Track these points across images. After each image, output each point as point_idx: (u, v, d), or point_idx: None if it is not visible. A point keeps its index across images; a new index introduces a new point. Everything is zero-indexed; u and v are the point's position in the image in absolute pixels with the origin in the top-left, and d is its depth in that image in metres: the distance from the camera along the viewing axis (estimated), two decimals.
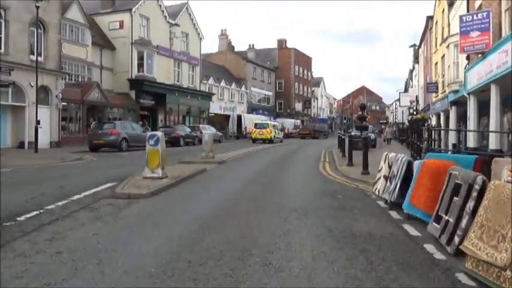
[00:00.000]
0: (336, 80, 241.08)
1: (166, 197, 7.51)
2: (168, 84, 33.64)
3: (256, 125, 35.58)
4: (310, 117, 66.02)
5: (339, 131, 30.98)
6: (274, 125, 36.91)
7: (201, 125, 32.45)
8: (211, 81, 43.06)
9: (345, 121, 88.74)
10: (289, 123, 51.72)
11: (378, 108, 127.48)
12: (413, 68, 47.05)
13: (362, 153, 11.46)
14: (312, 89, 78.64)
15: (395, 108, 66.95)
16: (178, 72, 36.54)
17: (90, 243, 4.52)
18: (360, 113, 22.67)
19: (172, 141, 25.27)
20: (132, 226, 5.26)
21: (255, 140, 34.91)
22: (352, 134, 21.62)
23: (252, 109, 53.04)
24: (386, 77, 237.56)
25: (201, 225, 5.34)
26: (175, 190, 8.28)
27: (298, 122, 58.72)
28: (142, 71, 30.67)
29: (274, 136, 35.65)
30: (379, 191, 7.35)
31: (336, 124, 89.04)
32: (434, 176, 5.40)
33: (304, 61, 69.40)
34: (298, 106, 66.26)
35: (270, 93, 60.11)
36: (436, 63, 26.49)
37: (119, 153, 18.28)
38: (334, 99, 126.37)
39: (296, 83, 66.35)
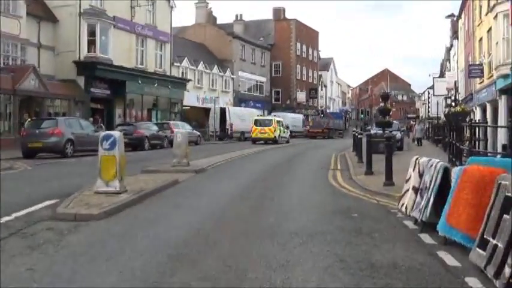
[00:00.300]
0: (350, 62, 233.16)
1: (125, 218, 7.43)
2: (128, 68, 33.12)
3: (256, 122, 37.23)
4: (321, 111, 66.03)
5: (354, 129, 30.49)
6: (278, 122, 38.69)
7: (172, 122, 32.05)
8: (185, 63, 42.68)
9: (362, 116, 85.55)
10: (290, 118, 51.68)
11: (405, 98, 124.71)
12: (451, 45, 46.56)
13: (384, 157, 11.39)
14: (319, 73, 76.12)
15: (428, 98, 64.81)
16: (142, 51, 36.17)
17: (23, 282, 4.39)
18: (382, 104, 22.75)
19: (134, 144, 24.92)
20: (78, 258, 5.16)
21: (255, 141, 36.51)
22: (372, 132, 21.72)
23: (240, 100, 52.38)
24: (416, 57, 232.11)
25: (171, 255, 5.28)
26: (137, 209, 8.18)
27: (301, 117, 58.30)
28: (94, 51, 30.14)
29: (279, 135, 37.58)
30: (406, 208, 7.36)
31: (350, 120, 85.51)
32: (479, 187, 5.41)
33: (309, 37, 67.79)
34: (301, 96, 65.06)
35: (264, 80, 59.14)
36: (481, 39, 26.46)
37: (63, 160, 17.77)
38: (348, 86, 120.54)
39: (298, 66, 65.62)
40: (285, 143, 38.80)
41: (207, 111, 44.07)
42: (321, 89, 79.01)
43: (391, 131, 21.02)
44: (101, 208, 7.76)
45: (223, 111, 42.05)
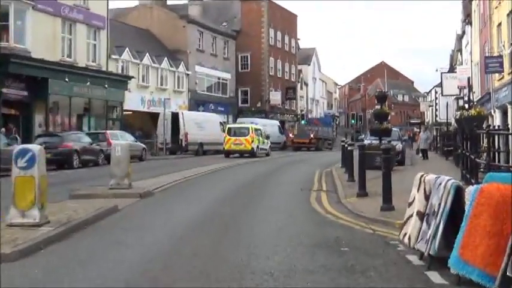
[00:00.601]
0: (337, 54, 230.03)
1: (46, 259, 7.37)
2: (51, 61, 32.97)
3: (230, 131, 39.17)
4: (302, 116, 66.58)
5: (344, 139, 31.44)
6: (257, 130, 40.81)
7: (109, 132, 32.12)
8: (126, 55, 42.67)
9: (352, 121, 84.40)
10: (261, 126, 52.74)
11: (406, 99, 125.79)
12: (463, 32, 47.17)
13: (382, 174, 11.56)
14: (299, 68, 76.02)
15: (436, 99, 65.10)
16: (70, 41, 36.16)
17: None
18: (378, 107, 23.51)
19: (60, 160, 24.87)
20: None
21: (229, 153, 38.32)
22: (366, 142, 21.95)
23: (198, 103, 52.35)
24: (420, 48, 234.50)
25: None
26: (63, 247, 8.13)
27: (276, 123, 58.67)
28: (7, 40, 29.94)
29: (258, 147, 39.37)
30: (409, 239, 7.44)
31: (338, 127, 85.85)
32: (499, 211, 5.46)
33: (285, 22, 67.89)
34: (276, 97, 65.00)
35: (228, 76, 59.22)
36: (500, 25, 26.72)
37: None
38: (336, 85, 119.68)
39: (271, 59, 65.53)
40: (265, 156, 40.06)
41: (154, 117, 43.70)
42: (301, 88, 78.52)
43: (389, 141, 21.19)
44: (14, 246, 7.59)
45: (175, 117, 42.07)
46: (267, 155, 40.90)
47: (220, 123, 46.92)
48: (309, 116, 78.70)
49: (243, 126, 40.57)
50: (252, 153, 37.28)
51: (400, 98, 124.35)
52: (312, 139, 53.32)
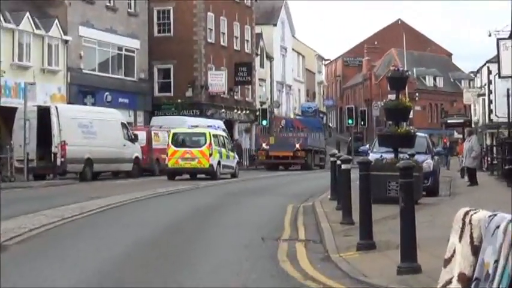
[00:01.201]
0: (322, 8, 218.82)
1: None
2: None
3: (176, 139, 38.91)
4: (280, 119, 67.60)
5: (335, 152, 30.03)
6: (216, 137, 40.32)
7: None
8: None
9: (349, 122, 76.87)
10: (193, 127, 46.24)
11: (440, 83, 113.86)
12: None
13: (399, 212, 10.75)
14: (257, 29, 71.90)
15: (490, 83, 59.99)
16: None
17: None
18: (392, 96, 23.54)
19: None
20: None
21: (174, 174, 38.57)
22: (372, 156, 21.56)
23: (83, 90, 48.33)
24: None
25: None
26: None
27: (220, 125, 52.64)
28: None
29: (219, 163, 39.39)
30: None
31: (326, 129, 79.34)
32: None
33: None
34: (218, 80, 61.15)
35: (136, 45, 54.88)
36: None
37: None
38: (321, 59, 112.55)
39: (210, 14, 61.94)
40: (230, 178, 40.34)
41: (7, 115, 39.49)
42: (261, 65, 74.62)
43: (412, 155, 21.13)
44: None
45: (44, 114, 38.10)
46: (234, 175, 41.30)
47: (124, 125, 42.91)
48: (275, 110, 75.07)
49: (196, 132, 40.57)
50: (211, 174, 38.14)
51: (429, 81, 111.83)
52: (298, 151, 54.93)
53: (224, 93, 62.77)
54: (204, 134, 39.32)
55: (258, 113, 68.01)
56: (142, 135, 44.97)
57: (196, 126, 44.41)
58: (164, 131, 45.29)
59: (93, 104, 46.87)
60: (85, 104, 46.56)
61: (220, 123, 53.88)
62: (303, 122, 65.91)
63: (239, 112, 65.80)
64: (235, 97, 66.24)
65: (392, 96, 24.43)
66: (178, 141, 38.90)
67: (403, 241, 10.64)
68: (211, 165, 37.96)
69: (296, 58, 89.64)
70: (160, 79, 60.96)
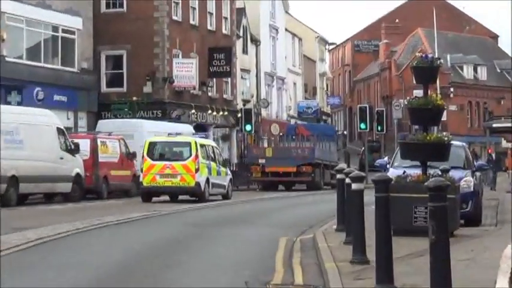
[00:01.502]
0: None
1: None
2: None
3: (152, 150, 39.24)
4: (283, 125, 65.06)
5: (342, 166, 30.11)
6: (203, 146, 40.16)
7: None
8: None
9: (362, 126, 70.90)
10: (140, 138, 46.93)
11: (483, 74, 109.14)
12: None
13: (429, 247, 10.74)
14: (239, 3, 70.19)
15: None
16: None
17: None
18: (419, 92, 23.29)
19: None
20: None
21: (150, 194, 38.83)
22: (392, 172, 21.75)
23: (6, 85, 48.06)
24: None
25: None
26: None
27: (190, 131, 54.26)
28: None
29: (208, 181, 39.43)
30: None
31: (339, 136, 77.91)
32: None
33: None
34: (187, 71, 59.53)
35: (77, 24, 54.18)
36: None
37: None
38: (324, 43, 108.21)
39: None
40: (222, 199, 40.24)
41: None
42: (244, 52, 72.66)
43: (445, 171, 20.90)
44: None
45: None
46: (226, 196, 41.27)
47: (61, 131, 41.81)
48: (263, 112, 73.17)
49: (178, 141, 40.52)
50: (197, 194, 38.07)
51: (468, 72, 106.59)
52: (303, 166, 55.19)
53: (194, 88, 60.12)
54: (188, 144, 38.98)
55: (239, 115, 63.55)
56: (85, 144, 43.57)
57: (179, 134, 44.05)
58: (114, 139, 43.60)
59: (20, 104, 44.93)
60: (9, 103, 44.37)
61: (188, 129, 52.52)
62: (309, 129, 63.97)
63: (215, 114, 62.24)
64: (210, 94, 63.05)
65: (419, 93, 23.30)
66: (156, 152, 38.73)
67: (435, 286, 10.30)
68: (197, 184, 37.69)
69: (291, 41, 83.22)
70: (110, 70, 58.18)
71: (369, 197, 15.38)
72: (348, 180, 20.02)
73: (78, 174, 41.07)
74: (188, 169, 38.11)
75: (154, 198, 37.19)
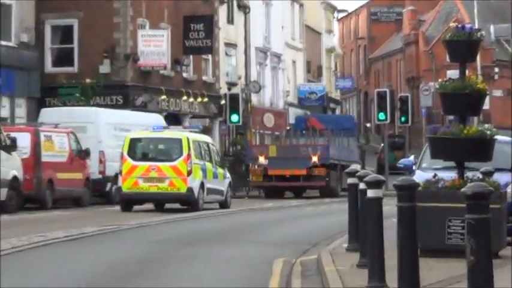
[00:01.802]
0: None
1: None
2: None
3: (134, 149, 39.40)
4: (297, 117, 62.70)
5: (354, 167, 28.34)
6: (198, 144, 40.89)
7: None
8: None
9: (381, 116, 69.75)
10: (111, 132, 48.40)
11: None
12: None
13: (467, 270, 11.37)
14: None
15: None
16: None
17: None
18: (454, 73, 21.45)
19: None
20: None
21: (130, 202, 38.95)
22: (419, 176, 21.19)
23: None
24: None
25: None
26: None
27: (160, 121, 53.71)
28: None
29: (203, 186, 39.64)
30: None
31: (354, 128, 76.03)
32: None
33: None
34: (154, 48, 60.45)
35: None
36: None
37: None
38: (334, 10, 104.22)
39: None
40: (219, 209, 40.01)
41: None
42: (229, 21, 71.36)
43: (487, 173, 19.84)
44: None
45: None
46: (224, 205, 41.74)
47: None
48: (253, 98, 70.23)
49: (166, 137, 40.69)
50: (189, 202, 38.29)
51: None
52: (316, 168, 54.84)
53: (165, 68, 56.96)
54: (179, 141, 38.57)
55: (223, 102, 60.58)
56: (24, 139, 43.08)
57: (167, 128, 43.63)
58: (62, 133, 41.97)
59: None
60: None
61: (157, 120, 50.96)
62: (323, 121, 60.82)
63: (191, 100, 59.40)
64: (185, 75, 59.98)
65: (454, 73, 21.53)
66: (138, 151, 38.07)
67: None
68: (190, 190, 37.37)
69: (289, 8, 77.71)
70: (56, 44, 55.84)
71: (390, 207, 15.74)
72: (362, 186, 19.53)
73: (15, 178, 40.32)
74: (178, 172, 38.74)
75: (136, 207, 37.21)
